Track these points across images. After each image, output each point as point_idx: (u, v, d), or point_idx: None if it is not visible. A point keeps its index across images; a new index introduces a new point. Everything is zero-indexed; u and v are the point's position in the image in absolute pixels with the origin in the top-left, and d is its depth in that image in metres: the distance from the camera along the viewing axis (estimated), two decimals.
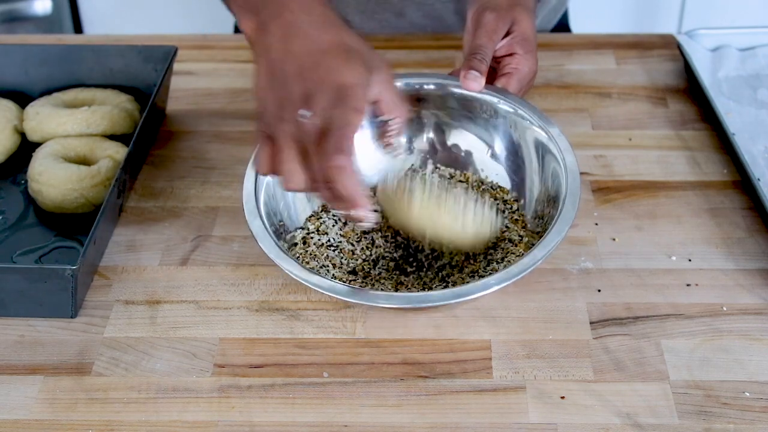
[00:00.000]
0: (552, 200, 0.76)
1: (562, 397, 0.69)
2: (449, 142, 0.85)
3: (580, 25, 1.29)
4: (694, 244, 0.83)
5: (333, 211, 0.81)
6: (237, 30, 1.26)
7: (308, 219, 0.81)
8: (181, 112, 1.02)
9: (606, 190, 0.89)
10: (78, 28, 2.03)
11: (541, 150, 0.79)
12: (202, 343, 0.75)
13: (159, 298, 0.79)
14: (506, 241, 0.78)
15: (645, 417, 0.68)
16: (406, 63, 1.08)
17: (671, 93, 1.03)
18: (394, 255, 0.78)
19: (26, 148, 0.94)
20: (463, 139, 0.85)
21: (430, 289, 0.75)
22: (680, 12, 1.97)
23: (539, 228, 0.78)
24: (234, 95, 1.05)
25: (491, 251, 0.78)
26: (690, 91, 1.03)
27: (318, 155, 0.64)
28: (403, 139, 0.82)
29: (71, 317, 0.77)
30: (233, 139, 0.98)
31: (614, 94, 1.03)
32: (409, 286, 0.76)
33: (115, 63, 1.00)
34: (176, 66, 1.05)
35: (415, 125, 0.85)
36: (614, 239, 0.83)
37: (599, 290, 0.78)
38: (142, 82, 1.00)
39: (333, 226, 0.80)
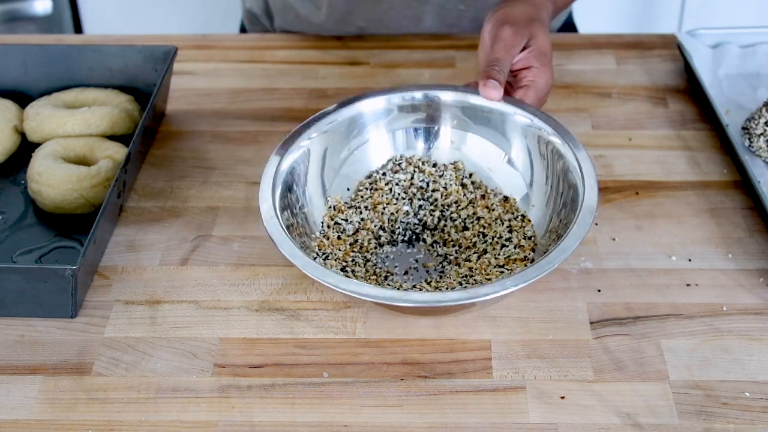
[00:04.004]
0: (568, 205, 0.76)
1: (562, 397, 0.69)
2: (465, 149, 0.85)
3: (582, 25, 1.29)
4: (694, 244, 0.83)
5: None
6: (243, 32, 1.27)
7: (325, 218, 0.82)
8: (181, 112, 1.02)
9: (606, 190, 0.89)
10: (78, 28, 2.03)
11: (558, 159, 0.79)
12: (202, 343, 0.75)
13: (159, 298, 0.79)
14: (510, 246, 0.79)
15: (645, 417, 0.68)
16: (405, 63, 1.09)
17: (671, 93, 1.03)
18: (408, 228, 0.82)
19: (26, 148, 0.94)
20: (479, 145, 0.85)
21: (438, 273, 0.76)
22: (680, 12, 1.97)
23: (549, 233, 0.77)
24: (234, 95, 1.05)
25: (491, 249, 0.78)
26: (690, 91, 1.03)
27: None
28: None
29: (71, 317, 0.77)
30: (233, 139, 0.98)
31: (614, 94, 1.03)
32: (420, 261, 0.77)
33: (115, 63, 1.00)
34: (176, 66, 1.05)
35: (432, 135, 0.86)
36: (614, 239, 0.83)
37: (599, 290, 0.78)
38: (142, 82, 1.00)
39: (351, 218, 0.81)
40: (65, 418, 0.69)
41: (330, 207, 0.82)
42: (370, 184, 0.84)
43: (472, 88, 0.83)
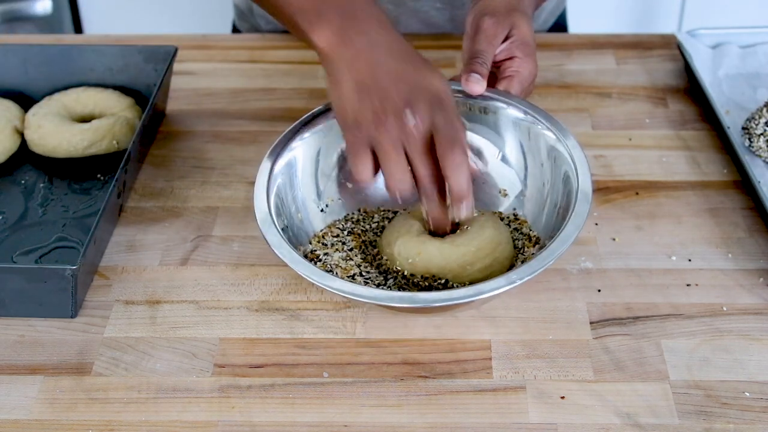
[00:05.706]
0: (564, 198, 0.76)
1: (562, 397, 0.69)
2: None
3: (579, 25, 1.29)
4: (694, 244, 0.83)
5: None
6: (236, 30, 1.26)
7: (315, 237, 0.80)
8: (181, 112, 1.02)
9: (606, 190, 0.89)
10: (78, 28, 2.03)
11: (550, 150, 0.78)
12: (202, 343, 0.75)
13: (159, 298, 0.79)
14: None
15: (645, 417, 0.68)
16: None
17: (671, 93, 1.03)
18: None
19: (26, 148, 0.95)
20: (473, 143, 0.84)
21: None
22: (680, 12, 1.97)
23: (547, 230, 0.77)
24: (234, 95, 1.05)
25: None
26: (690, 91, 1.03)
27: (427, 156, 0.69)
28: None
29: (71, 317, 0.77)
30: (233, 139, 0.98)
31: (614, 94, 1.03)
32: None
33: (115, 63, 1.00)
34: (176, 66, 1.05)
35: None
36: (614, 239, 0.83)
37: (599, 290, 0.78)
38: (142, 82, 1.00)
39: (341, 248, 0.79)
40: (65, 418, 0.69)
41: (315, 238, 0.80)
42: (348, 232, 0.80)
43: (456, 81, 0.82)
